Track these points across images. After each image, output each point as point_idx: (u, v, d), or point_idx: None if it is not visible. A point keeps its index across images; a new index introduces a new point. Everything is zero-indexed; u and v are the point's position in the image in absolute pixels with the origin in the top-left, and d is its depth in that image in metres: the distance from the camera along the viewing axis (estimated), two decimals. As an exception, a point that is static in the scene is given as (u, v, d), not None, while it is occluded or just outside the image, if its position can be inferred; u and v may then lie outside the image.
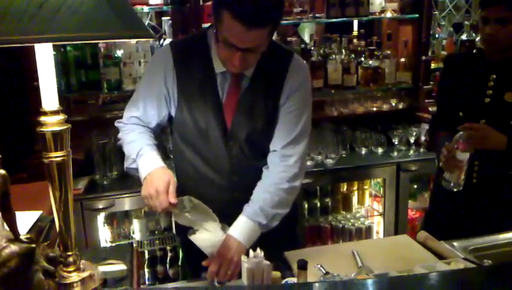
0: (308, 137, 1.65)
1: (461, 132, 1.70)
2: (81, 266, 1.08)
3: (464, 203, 1.91)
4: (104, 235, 2.66)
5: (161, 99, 1.59)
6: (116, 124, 1.71)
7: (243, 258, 1.24)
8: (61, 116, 1.00)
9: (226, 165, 1.61)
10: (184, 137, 1.64)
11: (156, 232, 2.83)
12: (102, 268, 1.13)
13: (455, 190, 1.76)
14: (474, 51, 2.03)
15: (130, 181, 2.58)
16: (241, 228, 1.51)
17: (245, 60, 1.41)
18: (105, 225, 2.70)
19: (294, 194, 1.62)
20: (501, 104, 1.81)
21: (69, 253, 1.06)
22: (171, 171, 1.54)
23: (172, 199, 1.44)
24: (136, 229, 2.74)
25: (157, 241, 2.80)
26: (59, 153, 1.00)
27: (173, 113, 1.62)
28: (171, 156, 2.03)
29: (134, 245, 2.68)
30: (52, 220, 1.08)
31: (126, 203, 2.51)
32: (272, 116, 1.60)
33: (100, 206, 2.45)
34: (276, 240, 1.57)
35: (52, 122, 0.98)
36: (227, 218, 1.56)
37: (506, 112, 1.80)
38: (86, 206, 2.43)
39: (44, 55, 0.94)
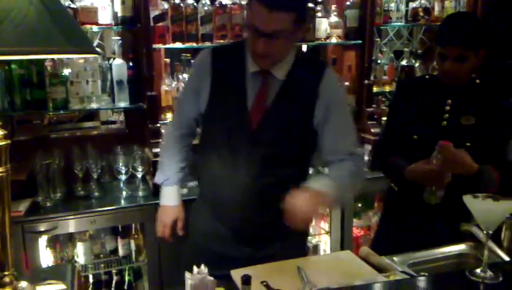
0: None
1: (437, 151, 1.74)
2: (18, 286, 1.05)
3: (417, 221, 1.98)
4: (46, 259, 2.56)
5: (194, 95, 1.72)
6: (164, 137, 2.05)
7: (187, 274, 1.25)
8: (0, 132, 0.99)
9: (245, 168, 1.63)
10: (210, 136, 1.72)
11: (101, 255, 2.75)
12: (41, 288, 1.10)
13: (438, 201, 1.81)
14: (427, 76, 2.08)
15: (74, 203, 2.53)
16: (321, 183, 1.57)
17: (268, 46, 1.47)
18: (48, 248, 2.60)
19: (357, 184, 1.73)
20: (458, 127, 1.88)
21: (6, 273, 1.03)
22: (181, 209, 1.88)
23: (180, 232, 1.87)
24: (80, 252, 2.65)
25: (102, 265, 2.72)
26: (-2, 169, 0.99)
27: (203, 109, 1.70)
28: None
29: (79, 269, 2.62)
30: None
31: (70, 225, 2.43)
32: (302, 125, 1.63)
33: (42, 229, 2.36)
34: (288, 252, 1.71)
35: (-9, 137, 0.97)
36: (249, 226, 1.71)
37: (463, 134, 1.88)
38: (27, 229, 2.33)
39: (-16, 69, 0.93)
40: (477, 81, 1.93)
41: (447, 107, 1.91)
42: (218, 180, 1.71)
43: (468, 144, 1.86)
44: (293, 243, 1.79)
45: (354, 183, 1.71)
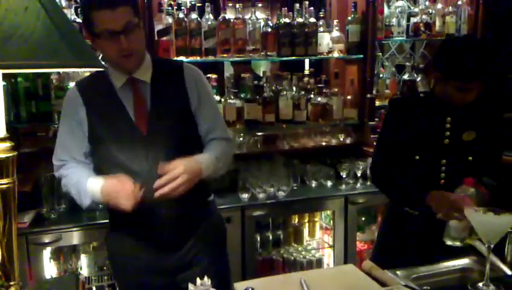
0: None
1: (472, 189, 1.69)
2: (23, 296, 1.06)
3: (417, 234, 1.97)
4: (50, 271, 2.56)
5: (77, 129, 1.73)
6: (55, 174, 1.81)
7: (190, 286, 1.25)
8: (8, 144, 1.00)
9: (151, 172, 1.64)
10: (106, 160, 1.72)
11: (105, 267, 2.75)
12: (45, 299, 1.11)
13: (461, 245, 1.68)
14: (421, 95, 2.05)
15: (78, 215, 2.54)
16: (205, 157, 1.71)
17: (128, 41, 1.59)
18: (52, 260, 2.60)
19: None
20: (460, 143, 1.89)
21: (12, 283, 1.04)
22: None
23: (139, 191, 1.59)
24: (84, 264, 2.66)
25: (106, 277, 2.72)
26: (4, 181, 1.01)
27: (89, 139, 1.73)
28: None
29: (82, 281, 2.61)
30: (-6, 251, 1.06)
31: (74, 237, 2.44)
32: (184, 115, 1.76)
33: (46, 241, 2.37)
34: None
35: (-1, 149, 0.99)
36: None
37: (465, 150, 1.89)
38: (31, 241, 2.35)
39: (-7, 83, 0.95)
40: None
41: (448, 125, 1.90)
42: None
43: (470, 158, 1.88)
44: (210, 236, 1.87)
45: (226, 161, 1.84)
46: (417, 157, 1.92)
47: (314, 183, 3.00)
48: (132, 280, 1.82)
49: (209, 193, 1.94)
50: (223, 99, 2.88)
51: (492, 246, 1.36)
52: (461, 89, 1.79)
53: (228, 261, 2.01)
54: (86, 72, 2.55)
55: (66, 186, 1.76)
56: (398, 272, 1.64)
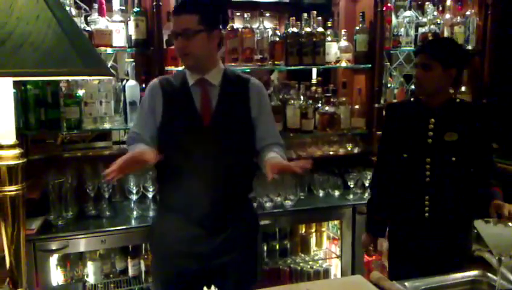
0: None
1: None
2: (30, 303, 1.06)
3: (419, 242, 2.08)
4: (57, 278, 2.57)
5: (150, 114, 1.99)
6: (126, 140, 2.13)
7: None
8: (17, 151, 1.01)
9: (204, 159, 1.90)
10: (169, 144, 1.95)
11: (111, 275, 2.75)
12: (52, 306, 1.11)
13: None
14: (412, 99, 2.21)
15: (85, 222, 2.55)
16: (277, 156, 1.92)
17: (184, 43, 1.87)
18: (58, 267, 2.60)
19: None
20: (442, 143, 2.02)
21: (18, 290, 1.04)
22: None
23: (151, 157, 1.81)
24: (91, 272, 2.65)
25: (112, 285, 2.72)
26: (13, 187, 1.01)
27: (159, 122, 1.97)
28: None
29: (88, 288, 2.62)
30: (3, 258, 1.06)
31: (81, 244, 2.44)
32: (243, 117, 1.99)
33: (53, 248, 2.37)
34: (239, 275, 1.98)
35: (8, 156, 1.00)
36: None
37: (447, 150, 2.02)
38: (38, 247, 2.35)
39: (3, 90, 0.96)
40: (458, 100, 2.08)
41: (431, 126, 2.04)
42: (183, 178, 1.92)
43: (454, 158, 2.00)
44: (245, 229, 2.06)
45: None
46: (405, 155, 2.08)
47: (321, 193, 2.99)
48: (170, 262, 1.98)
49: (251, 189, 2.12)
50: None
51: (503, 258, 1.34)
52: (416, 65, 2.04)
53: (257, 254, 2.22)
54: (94, 79, 2.59)
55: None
56: (406, 284, 1.63)
